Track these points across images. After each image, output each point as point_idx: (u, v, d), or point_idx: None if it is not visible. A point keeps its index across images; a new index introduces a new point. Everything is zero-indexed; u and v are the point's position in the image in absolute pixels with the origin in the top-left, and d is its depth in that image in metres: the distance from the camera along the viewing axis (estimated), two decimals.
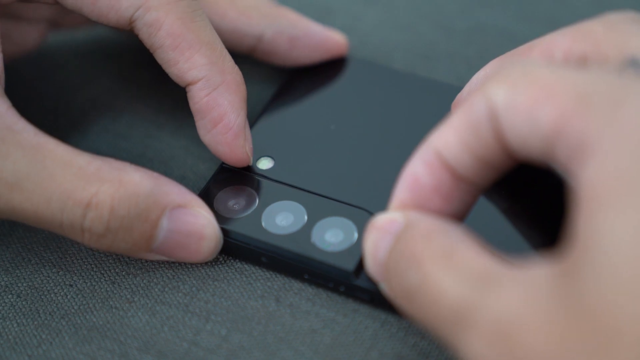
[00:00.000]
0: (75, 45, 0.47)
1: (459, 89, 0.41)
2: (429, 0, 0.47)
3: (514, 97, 0.29)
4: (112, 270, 0.38)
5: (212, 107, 0.37)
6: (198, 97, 0.37)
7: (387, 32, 0.46)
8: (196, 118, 0.38)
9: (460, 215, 0.33)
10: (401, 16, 0.47)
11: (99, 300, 0.37)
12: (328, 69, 0.43)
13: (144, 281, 0.37)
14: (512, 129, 0.29)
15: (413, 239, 0.31)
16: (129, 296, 0.37)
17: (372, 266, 0.33)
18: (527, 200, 0.37)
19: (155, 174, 0.36)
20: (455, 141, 0.31)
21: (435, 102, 0.41)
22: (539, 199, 0.36)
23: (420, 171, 0.32)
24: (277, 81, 0.44)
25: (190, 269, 0.38)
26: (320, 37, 0.42)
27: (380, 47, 0.45)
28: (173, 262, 0.38)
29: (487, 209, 0.36)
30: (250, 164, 0.39)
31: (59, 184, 0.34)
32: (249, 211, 0.37)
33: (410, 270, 0.30)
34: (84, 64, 0.46)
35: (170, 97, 0.44)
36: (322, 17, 0.47)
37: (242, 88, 0.38)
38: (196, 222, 0.36)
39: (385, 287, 0.33)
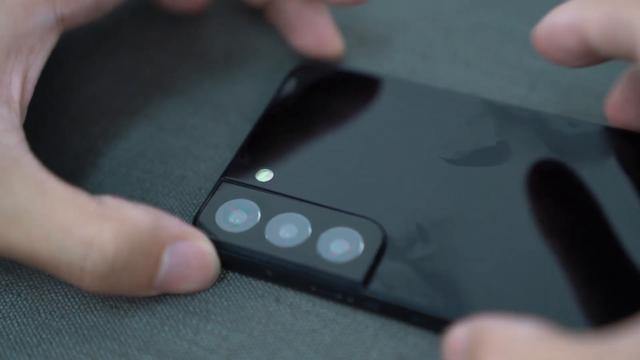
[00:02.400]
0: (75, 44, 0.47)
1: (455, 95, 0.40)
2: (429, 0, 0.47)
3: None
4: None
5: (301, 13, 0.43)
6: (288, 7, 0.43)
7: (387, 32, 0.46)
8: (287, 30, 0.43)
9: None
10: (401, 16, 0.47)
11: (99, 300, 0.37)
12: (321, 78, 0.43)
13: None
14: None
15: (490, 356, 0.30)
16: (129, 296, 0.37)
17: None
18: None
19: (152, 209, 0.35)
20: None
21: (432, 109, 0.41)
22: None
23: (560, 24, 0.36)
24: (278, 81, 0.44)
25: None
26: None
27: (380, 47, 0.45)
28: None
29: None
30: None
31: (60, 220, 0.33)
32: (252, 225, 0.37)
33: None
34: (83, 64, 0.46)
35: (170, 97, 0.44)
36: None
37: None
38: (196, 253, 0.36)
39: None
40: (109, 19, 0.48)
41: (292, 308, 0.36)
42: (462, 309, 0.34)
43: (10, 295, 0.37)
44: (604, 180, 0.37)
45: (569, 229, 0.36)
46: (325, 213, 0.37)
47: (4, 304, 0.37)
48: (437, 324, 0.34)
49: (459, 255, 0.35)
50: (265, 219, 0.37)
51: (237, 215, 0.37)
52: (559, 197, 0.37)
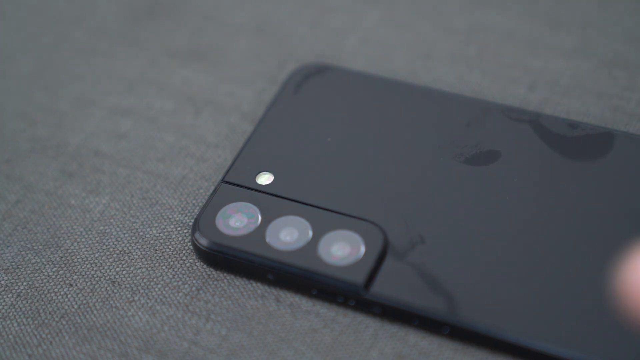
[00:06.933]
0: (74, 42, 0.47)
1: (455, 97, 0.40)
2: (429, 0, 0.47)
3: None
4: (112, 270, 0.38)
5: None
6: None
7: (387, 32, 0.46)
8: None
9: None
10: (401, 16, 0.47)
11: (99, 300, 0.37)
12: (321, 79, 0.42)
13: (144, 281, 0.37)
14: None
15: None
16: (129, 296, 0.37)
17: None
18: None
19: None
20: None
21: (432, 111, 0.40)
22: None
23: None
24: (278, 81, 0.44)
25: (191, 269, 0.38)
26: None
27: (380, 47, 0.45)
28: (173, 262, 0.38)
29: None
30: None
31: None
32: (252, 228, 0.37)
33: None
34: (82, 62, 0.46)
35: (171, 97, 0.44)
36: (322, 16, 0.47)
37: None
38: None
39: None
40: (108, 17, 0.48)
41: (292, 308, 0.36)
42: (464, 313, 0.34)
43: (10, 296, 0.37)
44: (604, 182, 0.37)
45: (570, 232, 0.36)
46: (326, 216, 0.37)
47: (3, 304, 0.37)
48: (439, 327, 0.34)
49: (461, 258, 0.35)
50: (266, 222, 0.37)
51: (237, 219, 0.37)
52: (559, 200, 0.37)
